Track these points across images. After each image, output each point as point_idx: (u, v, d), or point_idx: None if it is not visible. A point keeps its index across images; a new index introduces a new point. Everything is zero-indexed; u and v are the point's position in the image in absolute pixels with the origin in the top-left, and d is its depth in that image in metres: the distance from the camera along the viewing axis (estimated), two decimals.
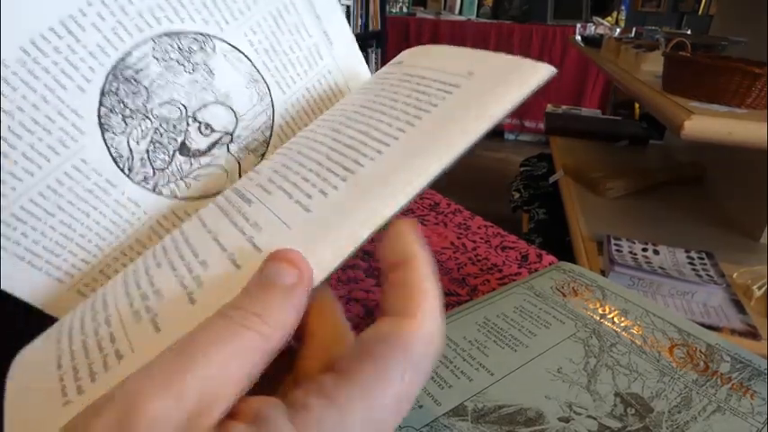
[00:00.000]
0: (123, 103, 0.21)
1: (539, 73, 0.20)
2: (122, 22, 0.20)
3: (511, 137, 3.47)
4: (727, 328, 0.76)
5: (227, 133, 0.25)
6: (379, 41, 3.10)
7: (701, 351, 0.33)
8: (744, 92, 0.78)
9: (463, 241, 0.53)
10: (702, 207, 1.26)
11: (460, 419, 0.27)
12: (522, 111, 3.29)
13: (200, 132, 0.24)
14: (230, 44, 0.24)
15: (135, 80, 0.21)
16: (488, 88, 0.20)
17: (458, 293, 0.44)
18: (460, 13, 3.57)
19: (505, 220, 0.98)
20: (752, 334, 0.75)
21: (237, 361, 0.14)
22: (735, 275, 0.90)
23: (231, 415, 0.13)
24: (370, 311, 0.41)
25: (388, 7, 3.29)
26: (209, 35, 0.23)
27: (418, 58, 0.25)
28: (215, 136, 0.24)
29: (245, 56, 0.25)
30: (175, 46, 0.22)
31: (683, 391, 0.30)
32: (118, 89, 0.21)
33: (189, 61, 0.23)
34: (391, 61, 0.26)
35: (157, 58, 0.21)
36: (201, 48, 0.23)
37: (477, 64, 0.22)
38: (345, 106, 0.24)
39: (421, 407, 0.28)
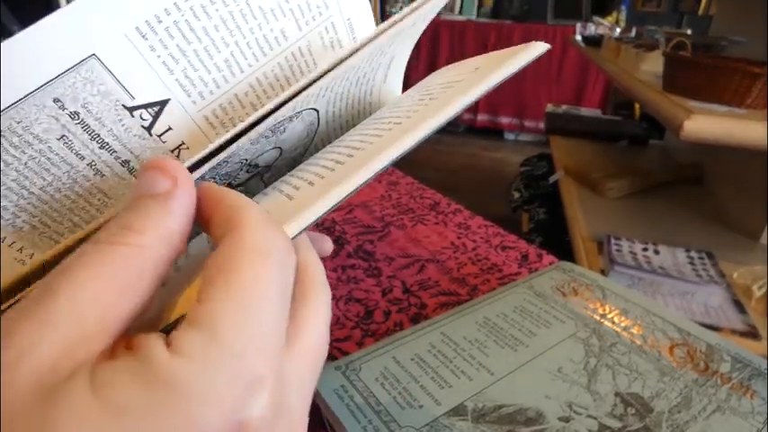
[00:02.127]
0: (203, 176, 0.20)
1: (534, 49, 0.21)
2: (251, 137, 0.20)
3: (511, 137, 3.47)
4: (727, 328, 0.76)
5: (267, 167, 0.25)
6: None
7: (701, 351, 0.33)
8: (744, 92, 0.78)
9: (463, 241, 0.53)
10: (702, 207, 1.26)
11: (460, 419, 0.27)
12: (522, 111, 3.29)
13: (247, 172, 0.24)
14: (313, 108, 0.23)
15: (224, 161, 0.20)
16: (489, 71, 0.20)
17: (458, 293, 0.44)
18: (460, 13, 3.57)
19: (505, 220, 0.98)
20: (752, 334, 0.75)
21: (108, 279, 0.13)
22: (735, 275, 0.90)
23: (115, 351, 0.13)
24: (370, 312, 0.41)
25: (387, 7, 3.29)
26: (301, 111, 0.22)
27: (437, 76, 0.25)
28: (256, 170, 0.24)
29: (316, 110, 0.24)
30: (272, 128, 0.21)
31: (683, 391, 0.30)
32: (206, 173, 0.20)
33: (274, 132, 0.22)
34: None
35: (252, 142, 0.21)
36: (290, 120, 0.22)
37: (484, 60, 0.22)
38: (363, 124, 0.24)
39: (421, 407, 0.28)
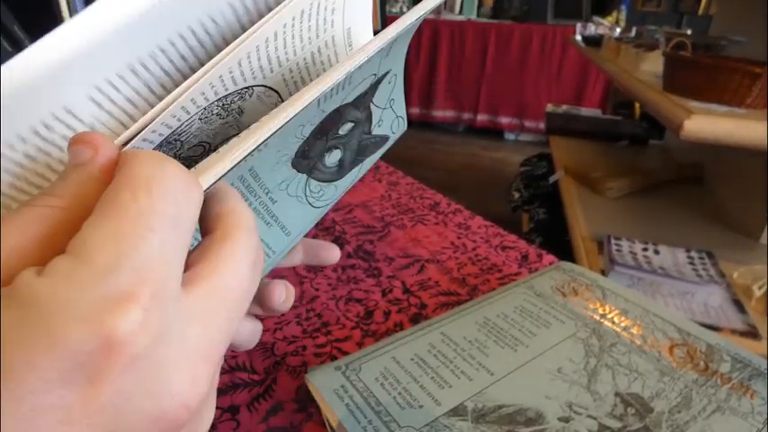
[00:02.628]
0: None
1: None
2: (186, 107, 0.20)
3: (511, 137, 3.47)
4: (727, 327, 0.76)
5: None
6: None
7: (700, 351, 0.33)
8: (744, 92, 0.78)
9: (463, 241, 0.53)
10: (702, 207, 1.26)
11: (460, 419, 0.27)
12: (522, 111, 3.29)
13: None
14: (267, 86, 0.24)
15: (175, 140, 0.21)
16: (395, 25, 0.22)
17: (458, 293, 0.44)
18: (461, 12, 3.57)
19: (505, 220, 0.98)
20: (752, 334, 0.75)
21: (19, 236, 0.14)
22: (735, 275, 0.90)
23: None
24: (370, 312, 0.41)
25: (388, 7, 3.29)
26: (252, 86, 0.23)
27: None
28: None
29: (276, 92, 0.25)
30: (220, 104, 0.22)
31: (683, 391, 0.30)
32: (159, 149, 0.20)
33: (227, 111, 0.23)
34: None
35: (201, 119, 0.21)
36: (241, 97, 0.23)
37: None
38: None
39: (421, 407, 0.28)
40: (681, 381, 0.31)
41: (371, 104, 0.28)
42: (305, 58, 0.25)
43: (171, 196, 0.15)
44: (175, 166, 0.15)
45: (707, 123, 0.73)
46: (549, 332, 0.35)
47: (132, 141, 0.18)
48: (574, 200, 1.28)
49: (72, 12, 0.89)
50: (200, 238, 0.19)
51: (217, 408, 0.32)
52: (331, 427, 0.28)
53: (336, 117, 0.26)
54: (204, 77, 0.19)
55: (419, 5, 0.22)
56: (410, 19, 0.21)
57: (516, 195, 1.80)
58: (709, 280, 0.84)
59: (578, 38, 2.03)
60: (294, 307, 0.42)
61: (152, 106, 0.20)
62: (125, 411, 0.13)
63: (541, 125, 3.05)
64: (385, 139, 0.31)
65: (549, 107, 2.40)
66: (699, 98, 0.83)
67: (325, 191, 0.29)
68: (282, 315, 0.41)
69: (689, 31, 1.46)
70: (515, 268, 0.49)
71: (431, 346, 0.33)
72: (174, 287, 0.14)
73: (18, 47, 0.76)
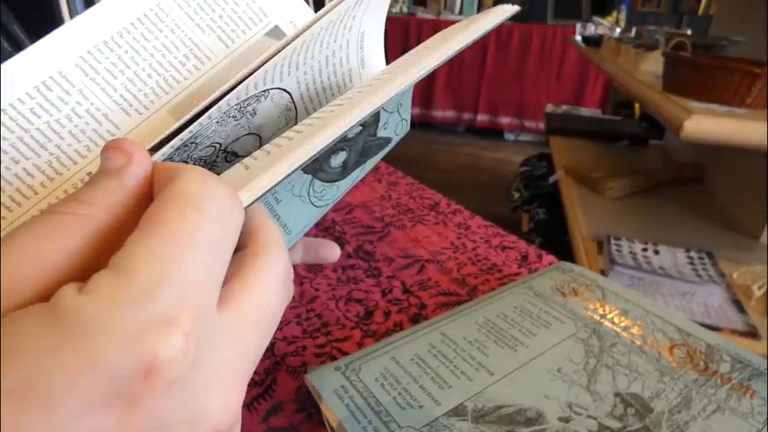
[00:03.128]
0: (171, 158, 0.20)
1: (501, 12, 0.22)
2: (211, 114, 0.20)
3: (511, 137, 3.47)
4: (727, 328, 0.76)
5: (248, 155, 0.26)
6: None
7: (700, 351, 0.33)
8: (744, 92, 0.78)
9: (463, 241, 0.53)
10: (702, 207, 1.26)
11: (460, 419, 0.27)
12: (522, 111, 3.30)
13: (226, 160, 0.24)
14: (281, 89, 0.24)
15: (191, 143, 0.21)
16: (450, 38, 0.21)
17: (458, 293, 0.44)
18: (461, 12, 3.57)
19: (505, 220, 0.98)
20: (752, 334, 0.75)
21: (48, 244, 0.13)
22: (735, 275, 0.90)
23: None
24: (370, 312, 0.41)
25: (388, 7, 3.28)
26: (268, 90, 0.23)
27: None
28: (238, 160, 0.25)
29: (288, 92, 0.25)
30: (238, 107, 0.22)
31: (683, 391, 0.30)
32: (173, 154, 0.20)
33: (242, 113, 0.23)
34: None
35: (219, 122, 0.21)
36: (257, 100, 0.23)
37: (451, 28, 0.23)
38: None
39: (421, 407, 0.28)
40: (681, 381, 0.31)
41: (381, 109, 0.28)
42: (320, 61, 0.25)
43: (217, 215, 0.14)
44: (222, 185, 0.15)
45: (707, 123, 0.73)
46: (548, 332, 0.35)
47: (163, 149, 0.18)
48: (574, 200, 1.28)
49: (72, 11, 0.89)
50: None
51: None
52: (331, 428, 0.28)
53: None
54: (237, 88, 0.20)
55: (446, 45, 0.21)
56: (435, 62, 0.21)
57: (516, 195, 1.80)
58: (709, 280, 0.84)
59: (578, 38, 2.03)
60: (294, 307, 0.42)
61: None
62: None
63: (541, 125, 3.05)
64: (388, 140, 0.31)
65: (549, 107, 2.40)
66: (699, 98, 0.83)
67: (327, 191, 0.29)
68: (282, 315, 0.41)
69: (689, 31, 1.46)
70: (515, 268, 0.49)
71: (431, 346, 0.33)
72: (213, 309, 0.14)
73: (18, 47, 0.76)
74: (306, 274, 0.46)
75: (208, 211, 0.14)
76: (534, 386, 0.30)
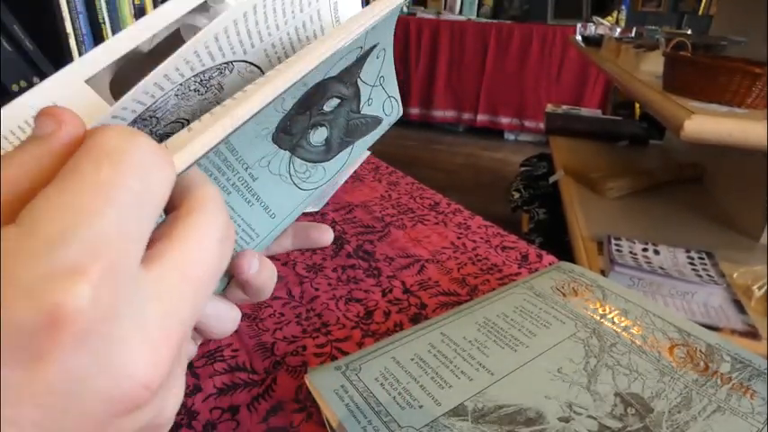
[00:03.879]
0: None
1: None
2: (159, 83, 0.20)
3: (511, 137, 3.47)
4: (727, 328, 0.76)
5: None
6: None
7: (701, 351, 0.33)
8: (744, 92, 0.78)
9: (463, 241, 0.53)
10: (702, 207, 1.26)
11: (460, 419, 0.27)
12: (522, 111, 3.29)
13: None
14: (248, 62, 0.23)
15: (150, 116, 0.20)
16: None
17: (458, 293, 0.44)
18: (461, 12, 3.57)
19: (505, 220, 0.98)
20: (752, 334, 0.75)
21: None
22: (735, 275, 0.90)
23: None
24: (370, 311, 0.41)
25: None
26: (232, 62, 0.22)
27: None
28: None
29: (258, 67, 0.24)
30: (198, 80, 0.21)
31: (683, 391, 0.30)
32: (133, 126, 0.20)
33: (205, 87, 0.22)
34: None
35: (178, 95, 0.21)
36: (221, 73, 0.22)
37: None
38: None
39: (421, 407, 0.28)
40: (681, 381, 0.31)
41: (359, 80, 0.27)
42: (288, 33, 0.24)
43: (138, 171, 0.14)
44: (147, 141, 0.15)
45: (707, 123, 0.73)
46: (549, 332, 0.35)
47: (101, 117, 0.18)
48: (574, 200, 1.28)
49: (72, 11, 0.89)
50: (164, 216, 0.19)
51: (217, 408, 0.32)
52: (331, 428, 0.28)
53: (320, 91, 0.25)
54: (177, 53, 0.19)
55: None
56: None
57: (516, 195, 1.80)
58: (709, 280, 0.83)
59: (578, 38, 2.03)
60: (294, 307, 0.42)
61: None
62: (77, 391, 0.12)
63: (541, 125, 3.04)
64: (377, 120, 0.30)
65: (549, 107, 2.39)
66: (699, 98, 0.83)
67: (311, 172, 0.28)
68: (282, 315, 0.41)
69: (689, 31, 1.46)
70: (515, 268, 0.49)
71: (431, 346, 0.33)
72: (133, 264, 0.14)
73: (18, 47, 0.75)
74: (306, 273, 0.46)
75: (127, 166, 0.14)
76: (534, 386, 0.30)
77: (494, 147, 3.29)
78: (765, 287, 0.85)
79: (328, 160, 0.29)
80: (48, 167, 0.14)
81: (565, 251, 1.10)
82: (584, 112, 2.39)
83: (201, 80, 0.22)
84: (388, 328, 0.40)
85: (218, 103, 0.23)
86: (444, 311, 0.39)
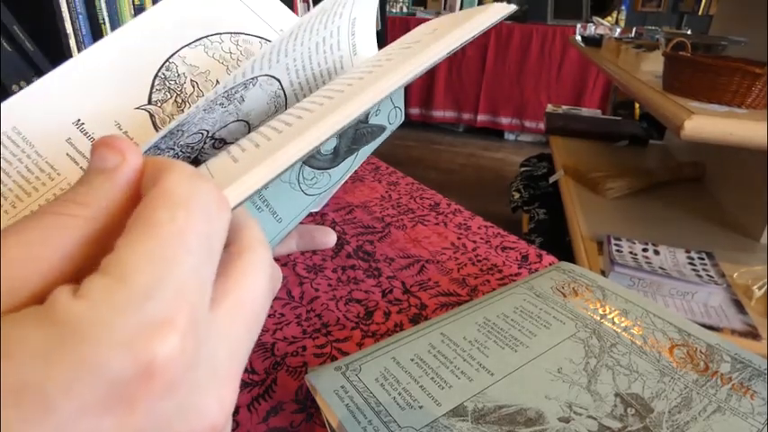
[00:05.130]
0: (157, 146, 0.20)
1: (493, 10, 0.21)
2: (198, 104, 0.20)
3: (511, 137, 3.47)
4: (728, 328, 0.76)
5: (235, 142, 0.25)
6: (380, 41, 3.10)
7: (701, 351, 0.33)
8: (744, 92, 0.78)
9: (463, 241, 0.53)
10: (702, 207, 1.26)
11: (460, 419, 0.27)
12: (522, 111, 3.29)
13: (214, 147, 0.24)
14: (270, 75, 0.24)
15: (177, 130, 0.21)
16: (446, 32, 0.20)
17: (458, 293, 0.44)
18: None
19: (505, 220, 0.98)
20: (752, 334, 0.75)
21: (41, 245, 0.13)
22: (735, 275, 0.90)
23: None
24: (370, 312, 0.41)
25: (388, 7, 3.29)
26: (256, 77, 0.23)
27: (399, 40, 0.25)
28: (225, 147, 0.24)
29: (277, 79, 0.24)
30: (225, 95, 0.22)
31: (684, 392, 0.30)
32: (159, 142, 0.20)
33: (229, 100, 0.22)
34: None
35: (205, 110, 0.21)
36: (245, 87, 0.23)
37: (445, 20, 0.22)
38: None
39: (421, 407, 0.28)
40: (681, 381, 0.31)
41: None
42: (309, 48, 0.25)
43: (205, 215, 0.14)
44: (210, 185, 0.15)
45: (707, 123, 0.73)
46: (549, 332, 0.35)
47: (151, 141, 0.19)
48: (574, 200, 1.28)
49: (72, 11, 0.89)
50: None
51: None
52: (331, 428, 0.28)
53: None
54: (225, 79, 0.20)
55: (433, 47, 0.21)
56: (426, 62, 0.20)
57: (516, 195, 1.80)
58: (709, 280, 0.84)
59: (578, 38, 2.03)
60: (294, 307, 0.42)
61: None
62: None
63: (541, 125, 3.05)
64: (381, 129, 0.31)
65: (549, 107, 2.40)
66: (699, 98, 0.83)
67: (318, 178, 0.29)
68: (283, 315, 0.41)
69: (689, 31, 1.46)
70: (515, 269, 0.49)
71: (431, 346, 0.33)
72: (206, 308, 0.14)
73: (18, 47, 0.75)
74: (306, 274, 0.46)
75: (196, 211, 0.14)
76: (534, 386, 0.30)
77: (494, 147, 3.29)
78: (765, 287, 0.85)
79: (334, 167, 0.29)
80: (118, 205, 0.15)
81: (565, 251, 1.10)
82: (585, 112, 2.39)
83: (228, 95, 0.22)
84: (388, 328, 0.40)
85: (238, 114, 0.24)
86: (444, 312, 0.39)
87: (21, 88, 0.79)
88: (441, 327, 0.35)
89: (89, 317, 0.12)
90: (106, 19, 0.95)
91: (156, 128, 0.25)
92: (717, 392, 0.30)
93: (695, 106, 0.79)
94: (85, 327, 0.12)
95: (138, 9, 1.01)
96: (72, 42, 0.89)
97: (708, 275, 0.86)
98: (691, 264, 0.90)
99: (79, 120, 0.24)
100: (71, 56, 0.89)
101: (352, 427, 0.26)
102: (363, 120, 0.29)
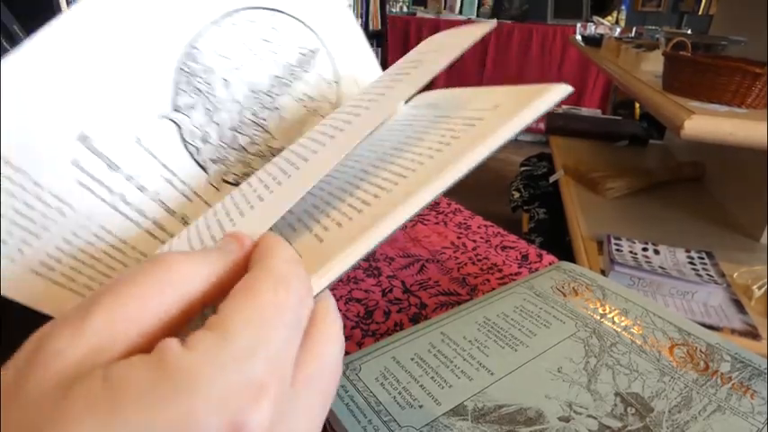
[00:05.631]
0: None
1: (554, 93, 0.21)
2: None
3: None
4: (728, 327, 0.76)
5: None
6: (380, 41, 3.10)
7: (701, 351, 0.33)
8: (744, 92, 0.78)
9: (463, 241, 0.53)
10: (702, 207, 1.26)
11: (460, 419, 0.27)
12: None
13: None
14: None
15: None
16: (509, 114, 0.21)
17: (458, 293, 0.44)
18: (460, 12, 3.57)
19: (505, 220, 0.98)
20: (752, 334, 0.75)
21: (147, 302, 0.14)
22: (735, 275, 0.90)
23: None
24: (370, 312, 0.41)
25: (388, 7, 3.29)
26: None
27: (453, 101, 0.25)
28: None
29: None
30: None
31: (684, 391, 0.30)
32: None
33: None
34: (425, 103, 0.27)
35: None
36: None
37: (504, 96, 0.22)
38: (377, 145, 0.24)
39: (421, 407, 0.28)
40: (681, 380, 0.31)
41: None
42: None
43: (298, 295, 0.16)
44: (303, 270, 0.17)
45: (707, 123, 0.73)
46: (549, 332, 0.35)
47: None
48: (574, 200, 1.28)
49: None
50: None
51: None
52: (331, 427, 0.28)
53: None
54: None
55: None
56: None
57: (516, 195, 1.80)
58: (709, 280, 0.83)
59: (578, 38, 2.03)
60: None
61: None
62: None
63: (541, 125, 3.04)
64: None
65: None
66: (699, 98, 0.83)
67: None
68: None
69: (689, 31, 1.46)
70: (515, 268, 0.49)
71: (431, 345, 0.33)
72: (289, 382, 0.15)
73: (17, 46, 0.75)
74: None
75: (294, 291, 0.16)
76: (534, 386, 0.30)
77: None
78: (765, 287, 0.85)
79: None
80: (227, 277, 0.17)
81: (565, 251, 1.10)
82: (585, 111, 2.39)
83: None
84: (388, 327, 0.40)
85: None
86: (444, 311, 0.39)
87: None
88: (441, 326, 0.35)
89: (196, 369, 0.13)
90: None
91: (185, 144, 0.23)
92: (717, 392, 0.30)
93: (695, 106, 0.79)
94: (191, 378, 0.12)
95: None
96: None
97: (708, 275, 0.86)
98: (691, 263, 0.90)
99: (83, 133, 0.21)
100: None
101: (351, 427, 0.26)
102: None
